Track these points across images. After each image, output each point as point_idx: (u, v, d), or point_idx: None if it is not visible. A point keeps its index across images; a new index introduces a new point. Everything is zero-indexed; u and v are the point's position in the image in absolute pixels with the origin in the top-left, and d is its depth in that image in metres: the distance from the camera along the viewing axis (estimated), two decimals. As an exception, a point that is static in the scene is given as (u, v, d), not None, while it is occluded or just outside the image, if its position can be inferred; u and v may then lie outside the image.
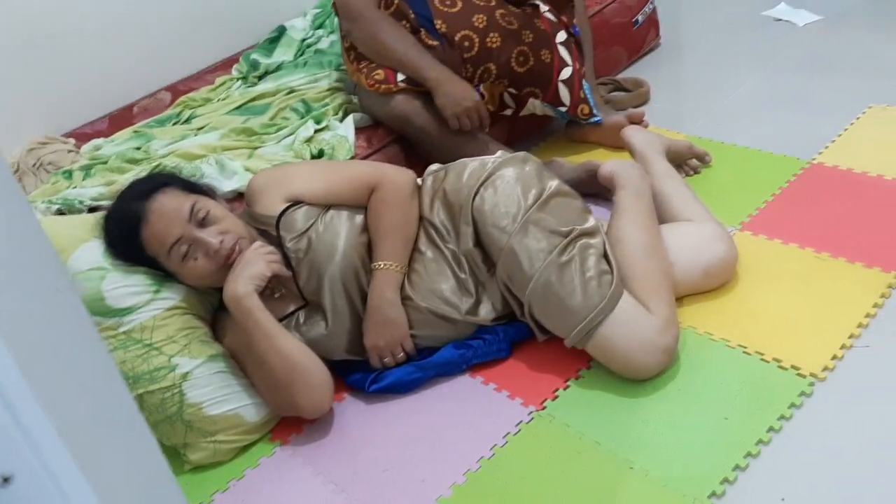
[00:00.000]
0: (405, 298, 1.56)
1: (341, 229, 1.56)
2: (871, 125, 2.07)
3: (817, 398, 1.36)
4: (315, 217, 1.57)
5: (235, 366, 1.56)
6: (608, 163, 1.80)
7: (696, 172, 2.04)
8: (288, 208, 1.57)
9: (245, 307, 1.45)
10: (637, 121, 2.17)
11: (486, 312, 1.58)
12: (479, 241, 1.57)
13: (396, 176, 1.61)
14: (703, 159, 2.05)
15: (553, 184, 1.58)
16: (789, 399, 1.36)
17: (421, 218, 1.62)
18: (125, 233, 1.49)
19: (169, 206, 1.46)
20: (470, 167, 1.63)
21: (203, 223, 1.48)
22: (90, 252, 1.51)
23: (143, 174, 1.81)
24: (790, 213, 1.81)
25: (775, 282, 1.62)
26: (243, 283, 1.45)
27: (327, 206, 1.59)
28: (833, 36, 2.59)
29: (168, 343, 1.48)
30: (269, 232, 1.57)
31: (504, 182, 1.56)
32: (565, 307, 1.44)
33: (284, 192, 1.59)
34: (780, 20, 2.77)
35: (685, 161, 2.04)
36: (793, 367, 1.42)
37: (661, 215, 1.72)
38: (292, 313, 1.57)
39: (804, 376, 1.40)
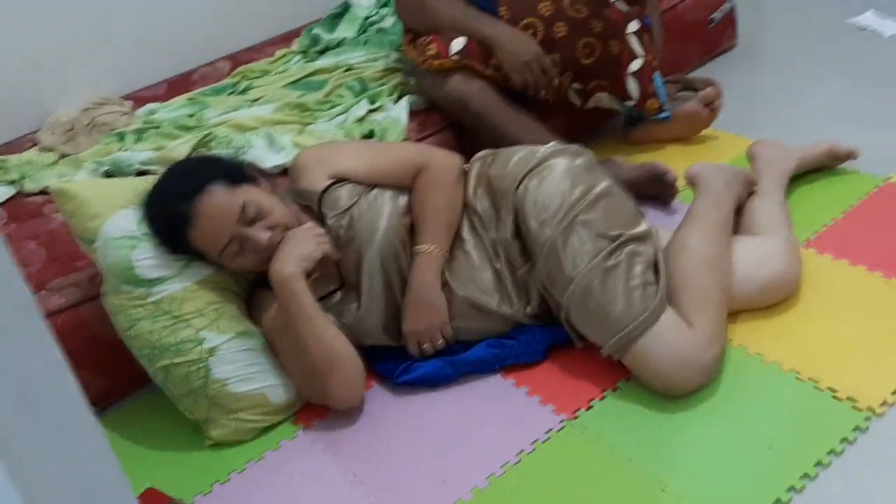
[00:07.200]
0: (443, 284, 1.51)
1: (384, 209, 1.51)
2: (957, 146, 1.93)
3: (873, 434, 1.26)
4: (358, 195, 1.52)
5: (265, 345, 1.52)
6: (696, 164, 1.68)
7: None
8: (332, 185, 1.53)
9: (291, 289, 1.40)
10: (713, 98, 2.07)
11: (522, 309, 1.51)
12: (518, 233, 1.50)
13: (443, 159, 1.56)
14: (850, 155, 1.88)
15: (604, 182, 1.50)
16: (842, 433, 1.26)
17: (465, 204, 1.56)
18: (170, 233, 1.45)
19: (218, 210, 1.40)
20: (518, 154, 1.56)
21: (253, 221, 1.43)
22: (125, 220, 1.49)
23: (186, 146, 1.78)
24: (859, 234, 1.70)
25: (838, 305, 1.52)
26: (292, 264, 1.40)
27: (372, 186, 1.54)
28: (923, 49, 2.44)
29: (197, 316, 1.46)
30: (312, 208, 1.53)
31: (552, 173, 1.49)
32: (605, 315, 1.37)
33: (330, 168, 1.54)
34: (864, 29, 2.62)
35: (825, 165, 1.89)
36: (849, 398, 1.32)
37: (741, 226, 1.64)
38: (329, 294, 1.53)
39: (860, 410, 1.30)
